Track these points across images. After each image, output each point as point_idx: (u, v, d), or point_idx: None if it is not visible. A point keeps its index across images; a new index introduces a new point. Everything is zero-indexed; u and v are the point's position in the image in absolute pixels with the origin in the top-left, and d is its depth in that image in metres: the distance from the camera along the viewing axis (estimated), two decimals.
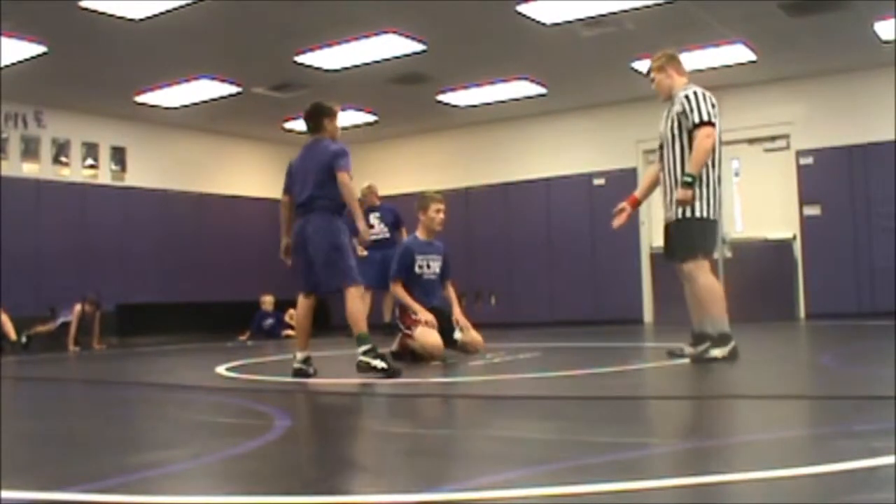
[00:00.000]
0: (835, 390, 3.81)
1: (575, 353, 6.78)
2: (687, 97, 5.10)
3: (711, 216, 5.11)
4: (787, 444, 2.53)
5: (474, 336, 6.18)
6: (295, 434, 3.05)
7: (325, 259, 5.08)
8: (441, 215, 6.31)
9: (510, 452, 2.57)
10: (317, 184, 5.14)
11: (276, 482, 2.18)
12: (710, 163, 5.07)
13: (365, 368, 4.93)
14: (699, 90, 5.13)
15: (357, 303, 5.09)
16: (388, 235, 10.23)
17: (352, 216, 5.25)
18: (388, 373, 4.85)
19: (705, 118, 5.02)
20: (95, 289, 10.49)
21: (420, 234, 6.35)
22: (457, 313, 6.25)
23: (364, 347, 4.96)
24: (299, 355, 5.26)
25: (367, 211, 10.39)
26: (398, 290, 6.17)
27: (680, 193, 5.02)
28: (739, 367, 4.85)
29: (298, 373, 5.20)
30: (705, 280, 5.10)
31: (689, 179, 4.98)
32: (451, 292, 6.42)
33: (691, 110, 5.06)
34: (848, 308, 10.28)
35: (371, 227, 10.23)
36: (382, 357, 4.97)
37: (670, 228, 5.23)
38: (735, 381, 4.43)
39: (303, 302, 5.32)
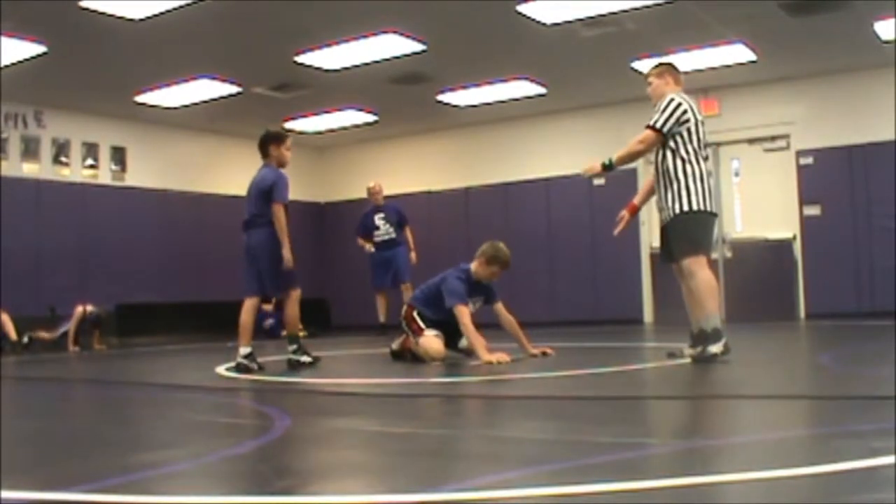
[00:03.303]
0: (835, 390, 3.81)
1: (575, 353, 6.78)
2: (663, 102, 5.23)
3: (706, 208, 5.15)
4: (787, 444, 2.53)
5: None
6: (295, 434, 3.05)
7: (269, 270, 5.83)
8: (496, 278, 6.12)
9: (510, 452, 2.57)
10: (257, 205, 5.96)
11: (276, 482, 2.18)
12: (700, 157, 5.18)
13: (295, 365, 5.79)
14: (676, 98, 5.22)
15: (295, 307, 5.91)
16: (393, 236, 10.27)
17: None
18: (314, 363, 5.83)
19: (651, 122, 5.19)
20: (95, 293, 10.49)
21: (475, 273, 6.06)
22: (523, 341, 6.02)
23: (294, 346, 5.88)
24: (242, 350, 5.77)
25: (373, 211, 10.43)
26: (467, 320, 5.79)
27: (592, 166, 5.34)
28: (739, 367, 4.85)
29: (240, 368, 5.67)
30: (704, 275, 5.12)
31: (606, 163, 5.30)
32: (511, 318, 6.12)
33: (655, 112, 5.22)
34: (848, 308, 10.28)
35: (377, 228, 10.31)
36: (306, 352, 5.88)
37: (667, 228, 5.27)
38: (735, 381, 4.42)
39: (248, 303, 5.94)
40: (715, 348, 5.05)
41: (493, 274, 6.08)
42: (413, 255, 10.28)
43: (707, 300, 5.11)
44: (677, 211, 5.16)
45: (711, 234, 5.38)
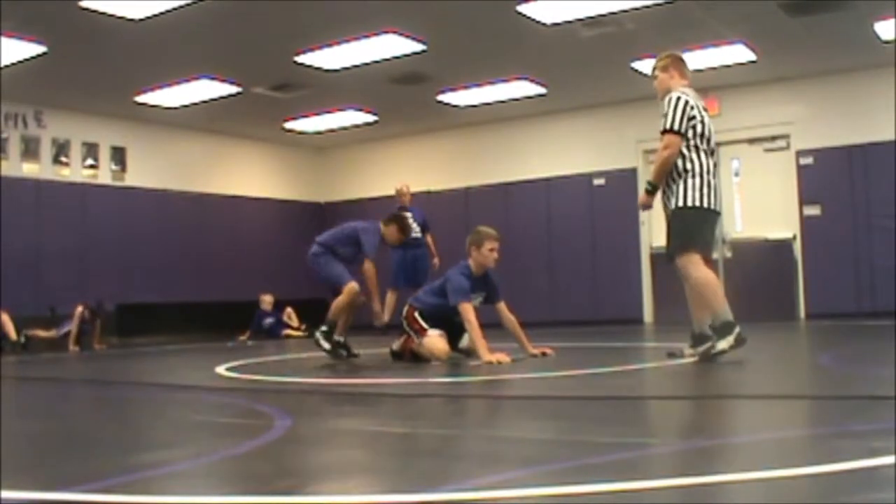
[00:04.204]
0: (835, 390, 3.81)
1: (575, 353, 6.78)
2: (667, 101, 5.14)
3: (705, 205, 5.05)
4: (787, 444, 2.53)
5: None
6: (295, 434, 3.05)
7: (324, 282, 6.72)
8: (495, 254, 6.03)
9: (510, 452, 2.57)
10: (336, 237, 6.61)
11: (276, 482, 2.18)
12: (702, 152, 5.08)
13: (316, 343, 6.46)
14: (682, 96, 5.12)
15: (341, 297, 6.42)
16: (419, 236, 10.26)
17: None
18: (332, 354, 6.38)
19: (668, 126, 5.07)
20: (95, 293, 10.50)
21: (473, 267, 6.03)
22: (524, 341, 6.00)
23: (324, 328, 6.45)
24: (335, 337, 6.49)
25: (400, 210, 10.43)
26: (472, 317, 5.78)
27: (640, 198, 5.28)
28: (740, 367, 4.85)
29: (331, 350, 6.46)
30: (698, 274, 5.03)
31: (648, 188, 5.21)
32: (512, 318, 6.11)
33: (663, 115, 5.12)
34: (848, 308, 10.28)
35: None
36: (328, 339, 6.41)
37: (668, 224, 5.21)
38: (735, 381, 4.42)
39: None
40: (724, 343, 4.95)
41: (490, 252, 6.01)
42: (436, 260, 10.26)
43: (709, 298, 5.02)
44: (673, 206, 5.10)
45: (710, 232, 5.27)
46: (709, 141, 5.16)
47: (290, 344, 10.46)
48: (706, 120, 5.18)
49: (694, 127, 5.09)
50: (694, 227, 5.10)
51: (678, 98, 5.10)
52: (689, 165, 5.07)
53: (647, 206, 5.32)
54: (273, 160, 14.36)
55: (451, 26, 8.69)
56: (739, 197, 11.39)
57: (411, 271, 10.17)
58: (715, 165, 5.20)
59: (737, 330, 4.99)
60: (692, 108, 5.09)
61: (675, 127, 5.05)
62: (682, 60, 5.42)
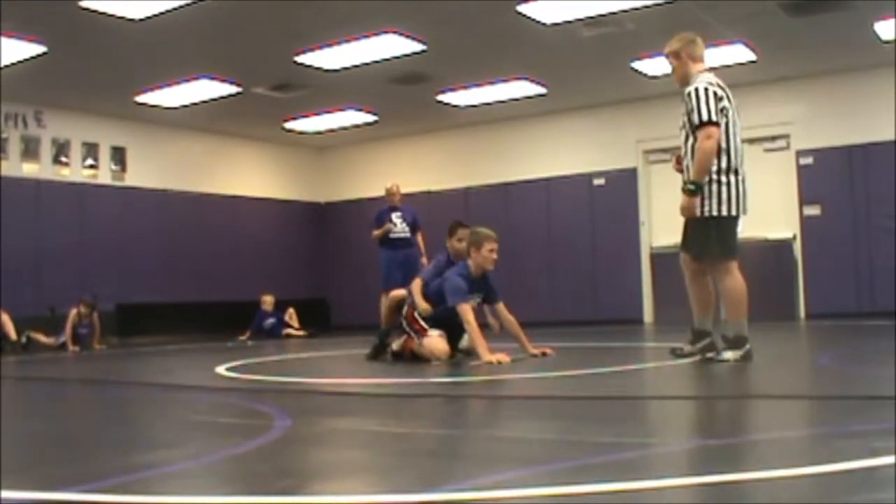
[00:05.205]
0: (835, 390, 3.81)
1: (575, 353, 6.78)
2: (689, 95, 4.93)
3: (725, 213, 4.94)
4: (787, 444, 2.53)
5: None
6: (295, 434, 3.05)
7: None
8: (494, 255, 5.97)
9: (510, 452, 2.56)
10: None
11: (276, 482, 2.18)
12: (722, 153, 4.90)
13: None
14: (708, 87, 4.92)
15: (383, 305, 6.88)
16: (408, 235, 10.25)
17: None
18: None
19: (704, 118, 4.84)
20: (91, 290, 10.51)
21: (472, 268, 5.99)
22: (524, 341, 5.99)
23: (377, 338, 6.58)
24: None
25: (389, 209, 10.43)
26: (471, 317, 5.77)
27: (683, 201, 4.92)
28: (740, 368, 4.85)
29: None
30: (733, 283, 4.99)
31: (691, 187, 4.87)
32: (512, 318, 6.10)
33: (691, 111, 4.91)
34: (848, 308, 10.28)
35: (394, 225, 10.29)
36: (375, 344, 6.49)
37: (688, 221, 5.09)
38: (736, 381, 4.42)
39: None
40: (731, 355, 4.92)
41: (490, 252, 5.97)
42: (424, 259, 10.26)
43: (734, 307, 4.96)
44: (701, 213, 4.92)
45: (733, 235, 5.14)
46: (729, 139, 4.95)
47: (291, 344, 10.46)
48: (731, 114, 4.97)
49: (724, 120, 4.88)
50: (729, 237, 5.03)
51: (705, 90, 4.89)
52: (716, 171, 4.88)
53: (692, 214, 4.94)
54: (273, 160, 14.37)
55: (451, 26, 8.69)
56: None
57: (402, 271, 10.15)
58: (741, 163, 4.98)
59: (747, 347, 4.96)
60: (720, 98, 4.90)
61: (713, 118, 4.83)
62: (692, 42, 5.14)
